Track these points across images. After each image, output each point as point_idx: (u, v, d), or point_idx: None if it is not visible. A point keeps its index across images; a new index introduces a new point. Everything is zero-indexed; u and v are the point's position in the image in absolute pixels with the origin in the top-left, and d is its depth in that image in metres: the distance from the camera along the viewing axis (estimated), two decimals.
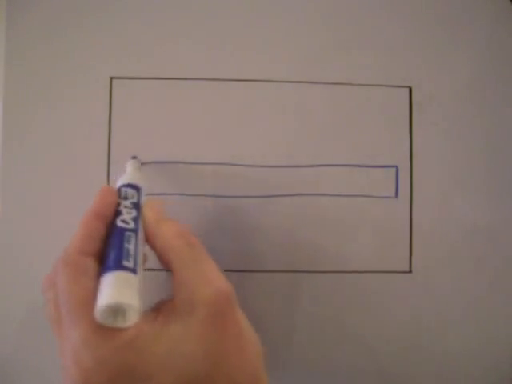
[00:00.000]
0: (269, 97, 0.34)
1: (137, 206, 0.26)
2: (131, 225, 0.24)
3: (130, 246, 0.23)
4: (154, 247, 0.25)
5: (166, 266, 0.24)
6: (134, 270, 0.22)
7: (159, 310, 0.23)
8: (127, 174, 0.29)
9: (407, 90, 0.35)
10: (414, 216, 0.34)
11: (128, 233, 0.24)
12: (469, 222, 0.34)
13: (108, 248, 0.23)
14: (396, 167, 0.34)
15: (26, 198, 0.33)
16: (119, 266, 0.22)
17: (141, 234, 0.25)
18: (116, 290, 0.21)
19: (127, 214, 0.25)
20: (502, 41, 0.35)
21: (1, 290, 0.33)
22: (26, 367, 0.33)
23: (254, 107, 0.34)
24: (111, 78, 0.34)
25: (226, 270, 0.33)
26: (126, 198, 0.26)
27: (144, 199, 0.27)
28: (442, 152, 0.34)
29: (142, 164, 0.34)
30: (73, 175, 0.33)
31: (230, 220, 0.34)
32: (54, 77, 0.34)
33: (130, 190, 0.27)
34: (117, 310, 0.20)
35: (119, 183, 0.28)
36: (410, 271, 0.34)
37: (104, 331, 0.20)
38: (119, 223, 0.24)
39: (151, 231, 0.25)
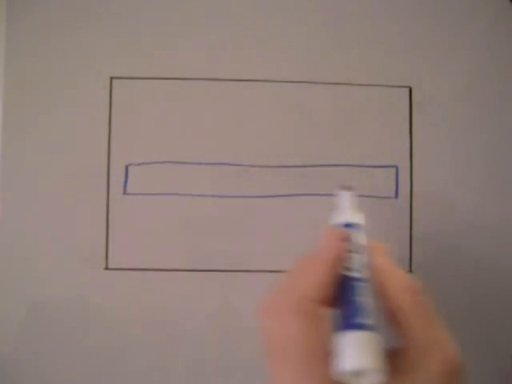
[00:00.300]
0: (269, 97, 0.34)
1: (363, 249, 0.24)
2: (362, 273, 0.23)
3: (366, 300, 0.22)
4: (381, 295, 0.23)
5: (391, 318, 0.23)
6: (372, 328, 0.21)
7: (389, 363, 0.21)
8: (345, 209, 0.26)
9: (407, 89, 0.35)
10: (413, 216, 0.34)
11: (361, 283, 0.22)
12: (469, 222, 0.34)
13: (342, 301, 0.22)
14: (396, 167, 0.34)
15: (26, 198, 0.33)
16: (358, 325, 0.21)
17: (371, 283, 0.23)
18: (360, 353, 0.20)
19: (355, 260, 0.23)
20: (501, 41, 0.35)
21: (1, 289, 0.33)
22: (26, 367, 0.33)
23: (254, 107, 0.34)
24: (111, 78, 0.34)
25: (225, 270, 0.33)
26: (349, 240, 0.24)
27: (366, 241, 0.25)
28: (441, 152, 0.34)
29: (142, 164, 0.34)
30: (73, 175, 0.33)
31: (229, 220, 0.34)
32: (54, 77, 0.34)
33: (352, 230, 0.25)
34: (358, 372, 0.20)
35: (338, 221, 0.26)
36: (410, 271, 0.34)
37: None
38: (349, 272, 0.23)
39: (382, 280, 0.23)
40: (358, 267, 0.23)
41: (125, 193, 0.33)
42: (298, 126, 0.34)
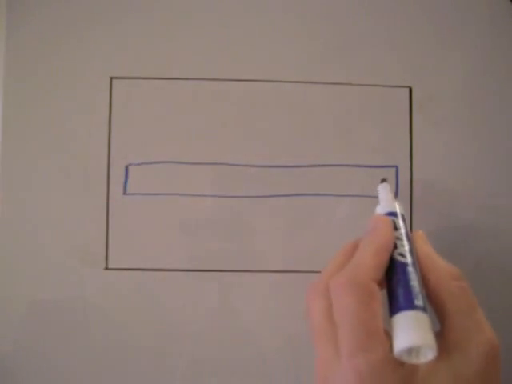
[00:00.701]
0: (269, 97, 0.34)
1: (407, 236, 0.26)
2: (409, 259, 0.24)
3: (416, 283, 0.23)
4: (425, 281, 0.25)
5: (434, 302, 0.24)
6: (424, 309, 0.22)
7: None
8: (387, 200, 0.29)
9: (407, 90, 0.35)
10: (413, 216, 0.34)
11: (410, 268, 0.24)
12: (469, 222, 0.34)
13: (394, 284, 0.24)
14: (396, 167, 0.34)
15: (26, 198, 0.33)
16: (413, 306, 0.22)
17: (417, 268, 0.24)
18: (416, 331, 0.22)
19: (402, 247, 0.25)
20: (501, 41, 0.35)
21: (1, 289, 0.33)
22: (26, 367, 0.33)
23: (254, 107, 0.34)
24: (111, 78, 0.34)
25: (225, 270, 0.33)
26: (396, 229, 0.26)
27: (408, 229, 0.27)
28: (441, 152, 0.34)
29: (142, 164, 0.34)
30: (73, 175, 0.33)
31: (229, 220, 0.34)
32: (53, 77, 0.34)
33: (396, 219, 0.27)
34: (412, 349, 0.22)
35: (382, 210, 0.28)
36: None
37: (394, 363, 0.22)
38: (398, 257, 0.24)
39: (426, 265, 0.25)
40: (405, 254, 0.25)
41: (125, 193, 0.33)
42: (298, 126, 0.34)
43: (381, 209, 0.28)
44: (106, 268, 0.33)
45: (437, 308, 0.24)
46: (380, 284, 0.24)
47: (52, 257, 0.33)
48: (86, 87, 0.34)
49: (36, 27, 0.34)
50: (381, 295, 0.24)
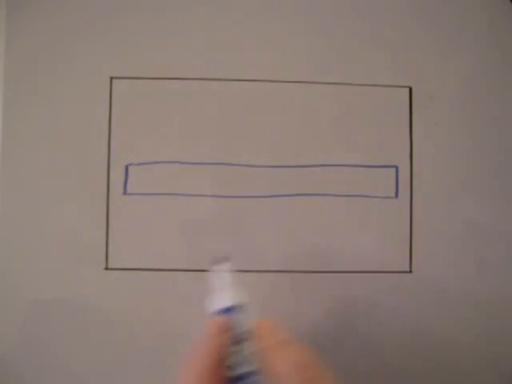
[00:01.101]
0: (269, 97, 0.34)
1: (247, 334, 0.23)
2: (250, 365, 0.23)
3: None
4: (272, 375, 0.23)
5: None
6: None
7: None
8: (223, 289, 0.25)
9: (407, 90, 0.35)
10: (414, 216, 0.34)
11: (252, 379, 0.22)
12: (469, 222, 0.34)
13: None
14: (396, 167, 0.34)
15: (25, 198, 0.33)
16: None
17: (261, 371, 0.23)
18: None
19: (241, 353, 0.23)
20: (501, 41, 0.35)
21: (1, 289, 0.33)
22: (26, 367, 0.33)
23: (254, 107, 0.34)
24: (111, 78, 0.34)
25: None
26: (230, 330, 0.23)
27: (251, 322, 0.24)
28: (441, 152, 0.34)
29: (142, 164, 0.34)
30: (73, 175, 0.33)
31: (229, 220, 0.34)
32: (54, 77, 0.34)
33: (233, 316, 0.24)
34: None
35: (217, 307, 0.24)
36: (410, 271, 0.34)
37: None
38: (237, 370, 0.23)
39: (271, 361, 0.23)
40: (245, 360, 0.22)
41: (125, 193, 0.33)
42: (299, 126, 0.34)
43: (215, 304, 0.25)
44: (106, 268, 0.33)
45: None
46: None
47: (52, 257, 0.33)
48: (86, 87, 0.34)
49: (36, 27, 0.34)
50: None
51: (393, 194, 0.34)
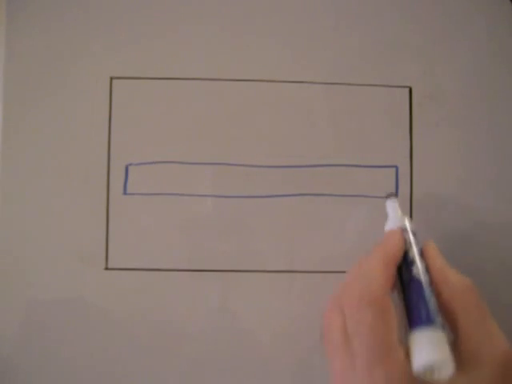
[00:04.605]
0: (269, 97, 0.34)
1: (419, 252, 0.27)
2: (424, 276, 0.25)
3: (432, 301, 0.24)
4: (438, 294, 0.25)
5: (447, 314, 0.25)
6: (442, 328, 0.23)
7: None
8: (396, 216, 0.29)
9: (407, 90, 0.35)
10: (414, 216, 0.34)
11: (425, 286, 0.25)
12: (469, 222, 0.34)
13: (412, 301, 0.24)
14: (396, 167, 0.34)
15: (25, 198, 0.33)
16: (431, 324, 0.23)
17: (431, 284, 0.25)
18: (435, 349, 0.22)
19: (420, 265, 0.26)
20: (502, 41, 0.35)
21: (1, 289, 0.33)
22: (26, 367, 0.33)
23: (254, 107, 0.34)
24: (111, 78, 0.34)
25: (225, 270, 0.33)
26: (410, 244, 0.27)
27: (418, 242, 0.27)
28: (441, 152, 0.34)
29: (142, 164, 0.34)
30: (73, 175, 0.33)
31: (229, 220, 0.34)
32: (54, 77, 0.34)
33: (410, 236, 0.27)
34: (430, 366, 0.22)
35: (392, 226, 0.28)
36: None
37: (411, 376, 0.22)
38: (416, 274, 0.25)
39: (438, 279, 0.25)
40: (421, 270, 0.25)
41: (125, 193, 0.33)
42: (298, 126, 0.34)
43: (390, 225, 0.29)
44: (106, 268, 0.33)
45: (449, 320, 0.24)
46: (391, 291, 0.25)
47: (52, 257, 0.33)
48: (86, 87, 0.34)
49: (36, 27, 0.34)
50: (393, 310, 0.24)
51: None
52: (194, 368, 0.33)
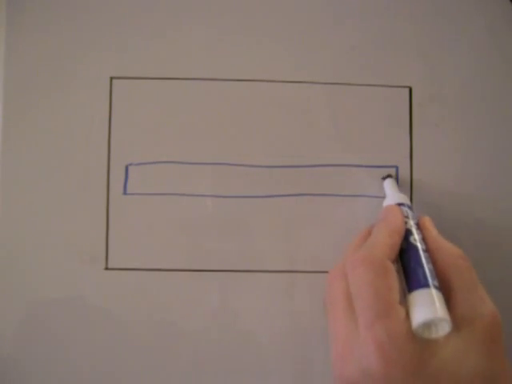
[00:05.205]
0: (269, 97, 0.34)
1: (416, 224, 0.28)
2: (421, 245, 0.27)
3: (430, 266, 0.26)
4: (433, 261, 0.27)
5: (442, 279, 0.26)
6: (440, 289, 0.25)
7: None
8: (393, 193, 0.31)
9: (407, 90, 0.35)
10: None
11: (423, 252, 0.26)
12: (470, 222, 0.34)
13: (410, 266, 0.26)
14: (396, 167, 0.34)
15: (25, 198, 0.33)
16: (429, 284, 0.24)
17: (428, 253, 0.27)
18: (434, 306, 0.24)
19: (413, 234, 0.27)
20: (502, 41, 0.35)
21: (1, 289, 0.33)
22: (26, 367, 0.33)
23: (254, 107, 0.34)
24: (111, 78, 0.34)
25: (225, 270, 0.33)
26: (407, 217, 0.28)
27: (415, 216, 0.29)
28: (441, 152, 0.34)
29: (142, 164, 0.34)
30: (73, 175, 0.33)
31: (229, 220, 0.34)
32: (53, 77, 0.34)
33: (407, 210, 0.29)
34: (429, 324, 0.23)
35: (391, 202, 0.30)
36: None
37: (412, 333, 0.23)
38: (414, 242, 0.27)
39: (433, 247, 0.27)
40: (419, 240, 0.27)
41: (125, 193, 0.33)
42: (298, 126, 0.34)
43: (389, 201, 0.31)
44: (106, 268, 0.33)
45: (444, 286, 0.25)
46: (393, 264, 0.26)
47: (52, 257, 0.33)
48: (85, 87, 0.34)
49: (36, 28, 0.34)
50: (395, 272, 0.25)
51: None
52: (194, 368, 0.33)
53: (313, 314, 0.33)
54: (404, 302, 0.25)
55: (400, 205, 0.30)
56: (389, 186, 0.32)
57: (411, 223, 0.28)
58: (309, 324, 0.33)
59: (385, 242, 0.26)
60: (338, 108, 0.34)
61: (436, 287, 0.25)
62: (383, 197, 0.32)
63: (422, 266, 0.25)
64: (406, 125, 0.34)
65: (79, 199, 0.33)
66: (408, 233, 0.27)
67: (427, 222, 0.29)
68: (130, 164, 0.34)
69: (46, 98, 0.34)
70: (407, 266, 0.26)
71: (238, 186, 0.34)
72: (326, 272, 0.33)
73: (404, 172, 0.34)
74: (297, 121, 0.34)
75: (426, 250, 0.27)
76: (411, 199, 0.34)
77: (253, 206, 0.34)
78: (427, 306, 0.24)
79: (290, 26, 0.34)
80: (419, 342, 0.23)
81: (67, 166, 0.33)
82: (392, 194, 0.31)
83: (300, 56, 0.34)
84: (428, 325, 0.23)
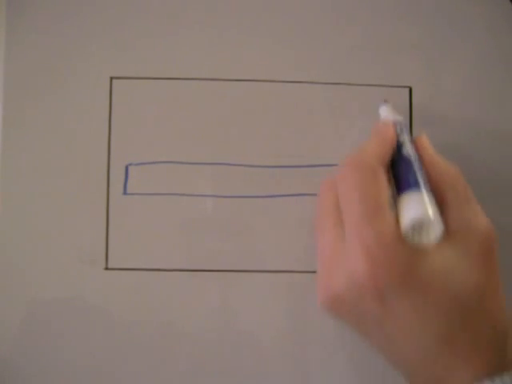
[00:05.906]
0: (269, 97, 0.34)
1: (410, 139, 0.28)
2: (416, 156, 0.26)
3: (423, 174, 0.25)
4: (428, 175, 0.26)
5: (436, 193, 0.25)
6: (430, 192, 0.24)
7: None
8: (390, 112, 0.30)
9: (407, 90, 0.35)
10: None
11: (415, 161, 0.26)
12: None
13: (401, 172, 0.25)
14: None
15: (25, 198, 0.33)
16: (420, 187, 0.24)
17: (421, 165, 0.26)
18: (425, 206, 0.23)
19: (406, 147, 0.26)
20: (502, 41, 0.35)
21: (1, 290, 0.33)
22: (26, 367, 0.33)
23: (254, 107, 0.34)
24: (111, 78, 0.34)
25: (225, 270, 0.33)
26: (401, 133, 0.28)
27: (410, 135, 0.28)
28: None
29: (142, 164, 0.34)
30: (73, 175, 0.33)
31: (229, 220, 0.34)
32: (53, 77, 0.34)
33: (402, 128, 0.28)
34: (419, 227, 0.22)
35: (386, 117, 0.30)
36: None
37: (401, 237, 0.22)
38: (406, 153, 0.26)
39: (428, 162, 0.26)
40: (411, 152, 0.26)
41: (125, 193, 0.33)
42: (298, 126, 0.34)
43: (384, 117, 0.30)
44: (106, 268, 0.33)
45: (439, 200, 0.25)
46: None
47: (52, 257, 0.33)
48: (85, 87, 0.34)
49: (36, 28, 0.34)
50: (385, 176, 0.24)
51: None
52: (194, 368, 0.33)
53: (313, 314, 0.33)
54: (395, 208, 0.24)
55: (394, 123, 0.29)
56: (384, 109, 0.31)
57: (405, 138, 0.27)
58: (309, 324, 0.33)
59: (374, 149, 0.25)
60: (337, 108, 0.34)
61: (428, 190, 0.24)
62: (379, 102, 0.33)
63: (413, 172, 0.25)
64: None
65: (79, 199, 0.33)
66: (400, 145, 0.26)
67: (424, 139, 0.28)
68: (130, 164, 0.34)
69: (46, 98, 0.34)
70: (398, 174, 0.25)
71: (238, 186, 0.34)
72: None
73: None
74: (297, 121, 0.34)
75: (421, 163, 0.26)
76: None
77: (253, 206, 0.34)
78: (417, 207, 0.23)
79: (290, 26, 0.34)
80: (409, 247, 0.22)
81: (67, 165, 0.33)
82: (386, 115, 0.30)
83: (300, 56, 0.34)
84: (419, 228, 0.22)
